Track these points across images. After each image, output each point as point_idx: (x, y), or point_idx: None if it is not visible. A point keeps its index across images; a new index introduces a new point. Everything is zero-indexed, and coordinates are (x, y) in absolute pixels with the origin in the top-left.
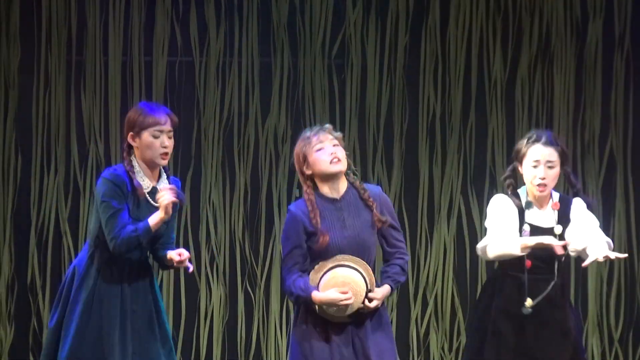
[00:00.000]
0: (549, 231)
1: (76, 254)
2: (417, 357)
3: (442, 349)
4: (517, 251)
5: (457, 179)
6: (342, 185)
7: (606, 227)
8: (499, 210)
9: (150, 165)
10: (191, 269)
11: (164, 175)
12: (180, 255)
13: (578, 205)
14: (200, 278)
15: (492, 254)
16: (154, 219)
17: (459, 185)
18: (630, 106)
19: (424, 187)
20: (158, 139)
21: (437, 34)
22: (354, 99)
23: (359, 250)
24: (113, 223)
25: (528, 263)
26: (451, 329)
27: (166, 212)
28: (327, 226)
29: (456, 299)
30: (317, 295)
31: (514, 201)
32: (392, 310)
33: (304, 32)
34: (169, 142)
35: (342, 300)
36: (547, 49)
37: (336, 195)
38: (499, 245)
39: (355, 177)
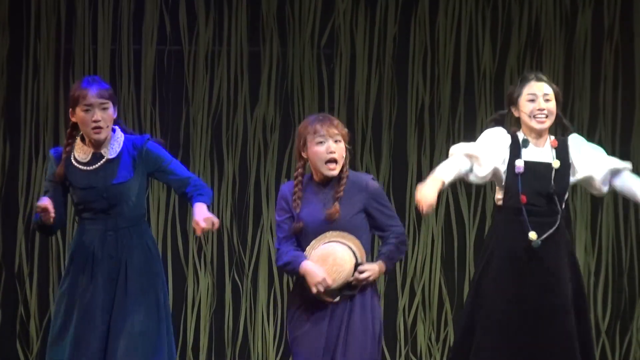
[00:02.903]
0: (547, 166)
1: (64, 242)
2: (404, 347)
3: (430, 339)
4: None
5: None
6: None
7: (594, 218)
8: (487, 136)
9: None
10: (216, 226)
11: (115, 143)
12: (198, 225)
13: (577, 140)
14: (187, 267)
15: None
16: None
17: None
18: (618, 97)
19: (412, 177)
20: (89, 113)
21: (426, 24)
22: (342, 88)
23: None
24: None
25: (523, 198)
26: (438, 319)
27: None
28: (309, 210)
29: (444, 290)
30: (304, 264)
31: (508, 131)
32: (379, 300)
33: (293, 22)
34: (100, 116)
35: (317, 283)
36: (536, 39)
37: (326, 180)
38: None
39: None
